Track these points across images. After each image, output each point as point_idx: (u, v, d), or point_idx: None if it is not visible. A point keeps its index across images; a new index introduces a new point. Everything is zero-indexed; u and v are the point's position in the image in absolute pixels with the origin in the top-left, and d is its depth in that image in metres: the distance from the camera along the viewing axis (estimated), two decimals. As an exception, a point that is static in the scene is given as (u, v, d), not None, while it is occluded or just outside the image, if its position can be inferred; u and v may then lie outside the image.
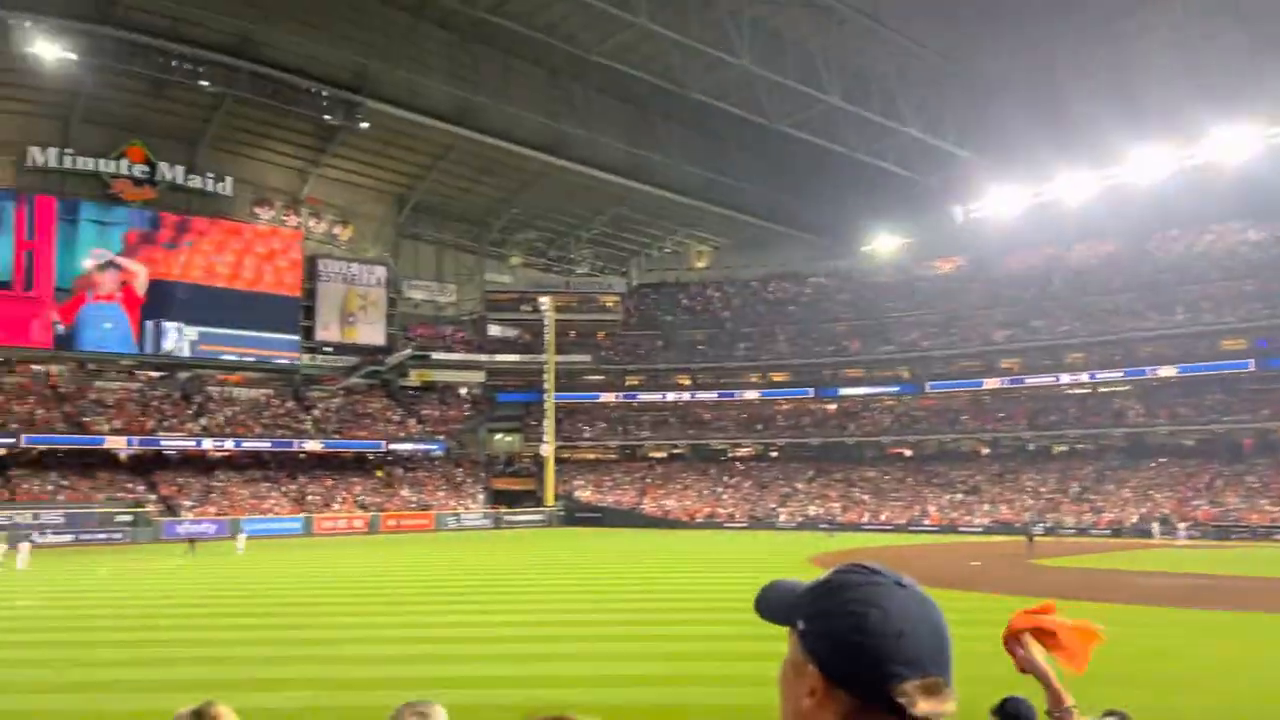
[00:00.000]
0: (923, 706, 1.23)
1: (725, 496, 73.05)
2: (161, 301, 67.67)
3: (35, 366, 65.57)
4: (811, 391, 79.46)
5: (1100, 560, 39.57)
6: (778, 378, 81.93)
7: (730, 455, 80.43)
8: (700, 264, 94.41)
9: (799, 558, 38.95)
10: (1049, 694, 2.43)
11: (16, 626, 22.48)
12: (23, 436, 59.33)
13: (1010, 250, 78.93)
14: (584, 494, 75.44)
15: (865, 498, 69.48)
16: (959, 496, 66.73)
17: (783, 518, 68.04)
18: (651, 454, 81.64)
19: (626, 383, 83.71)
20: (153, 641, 19.71)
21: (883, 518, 65.62)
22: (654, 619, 22.50)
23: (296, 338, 74.10)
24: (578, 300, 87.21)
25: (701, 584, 31.47)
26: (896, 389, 77.70)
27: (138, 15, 55.40)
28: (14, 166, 64.12)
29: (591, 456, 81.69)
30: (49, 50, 54.35)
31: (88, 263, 65.00)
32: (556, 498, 73.71)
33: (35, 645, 19.52)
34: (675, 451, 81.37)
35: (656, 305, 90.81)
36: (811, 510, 68.23)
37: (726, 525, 67.67)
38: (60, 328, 63.80)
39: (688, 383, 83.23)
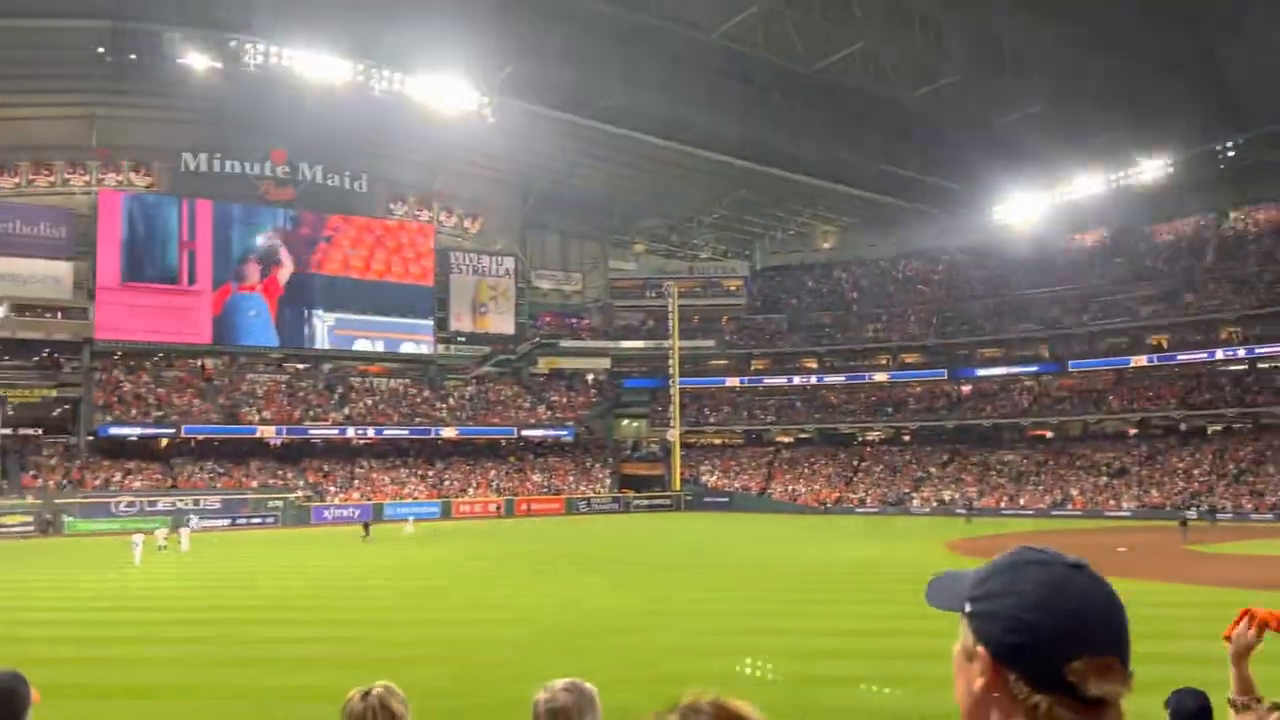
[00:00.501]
0: (1096, 687, 1.19)
1: (856, 481, 71.85)
2: (302, 291, 71.30)
3: (192, 361, 69.58)
4: (945, 373, 77.19)
5: (1265, 546, 37.15)
6: (909, 359, 79.91)
7: (860, 439, 78.99)
8: (826, 245, 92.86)
9: (937, 541, 38.03)
10: (1239, 682, 2.44)
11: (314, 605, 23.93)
12: (182, 427, 63.13)
13: (1158, 219, 74.82)
14: (710, 479, 75.45)
15: (1004, 482, 67.21)
16: (1104, 480, 63.82)
17: (916, 503, 66.50)
18: (778, 438, 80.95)
19: (751, 367, 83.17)
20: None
21: (1022, 502, 63.36)
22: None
23: (429, 322, 76.60)
24: (701, 285, 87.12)
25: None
26: (1036, 369, 74.68)
27: (275, 23, 57.72)
28: (170, 172, 68.19)
29: (717, 441, 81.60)
30: (199, 60, 57.43)
31: (240, 258, 69.01)
32: (683, 482, 73.99)
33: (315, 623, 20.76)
34: (803, 436, 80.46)
35: (781, 288, 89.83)
36: (947, 495, 66.44)
37: (858, 510, 66.59)
38: (228, 308, 67.88)
39: (814, 366, 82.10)
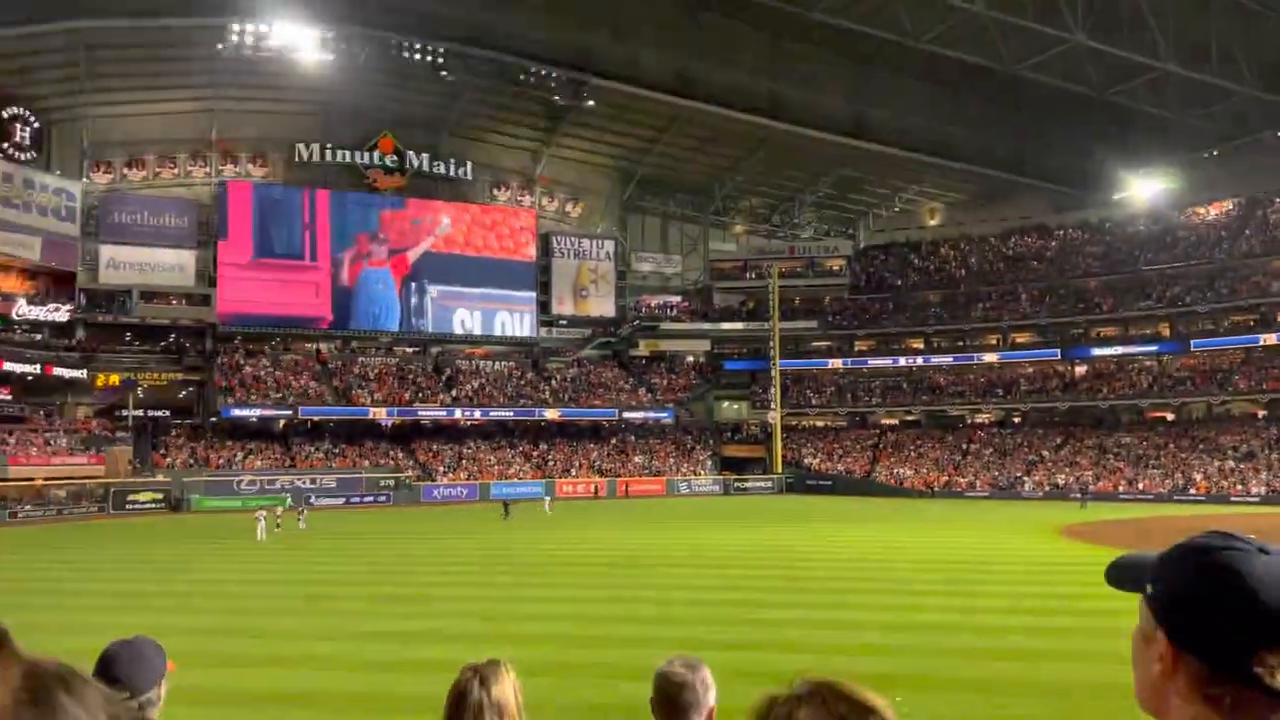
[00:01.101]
0: None
1: (964, 465, 70.19)
2: (413, 268, 73.86)
3: (308, 345, 72.20)
4: (1059, 353, 74.55)
5: None
6: (1020, 339, 77.43)
7: (969, 421, 77.06)
8: (932, 221, 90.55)
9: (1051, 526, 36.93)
10: None
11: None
12: (299, 409, 65.60)
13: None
14: (813, 461, 74.72)
15: (1121, 465, 64.73)
16: (1230, 463, 60.88)
17: (1028, 487, 64.63)
18: (883, 421, 79.60)
19: (855, 348, 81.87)
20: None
21: (1141, 486, 60.95)
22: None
23: (531, 293, 77.87)
24: (802, 265, 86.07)
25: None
26: (1155, 348, 71.46)
27: (387, 16, 59.38)
28: (284, 162, 70.82)
29: (820, 424, 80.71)
30: (310, 54, 59.36)
31: (358, 239, 72.27)
32: (785, 465, 73.47)
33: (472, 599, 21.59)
34: (908, 418, 78.91)
35: (886, 267, 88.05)
36: (1060, 479, 64.37)
37: (967, 494, 65.10)
38: (345, 282, 71.31)
39: (921, 346, 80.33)
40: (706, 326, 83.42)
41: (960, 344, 78.50)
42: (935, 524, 41.93)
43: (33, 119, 61.45)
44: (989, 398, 75.86)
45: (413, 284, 74.24)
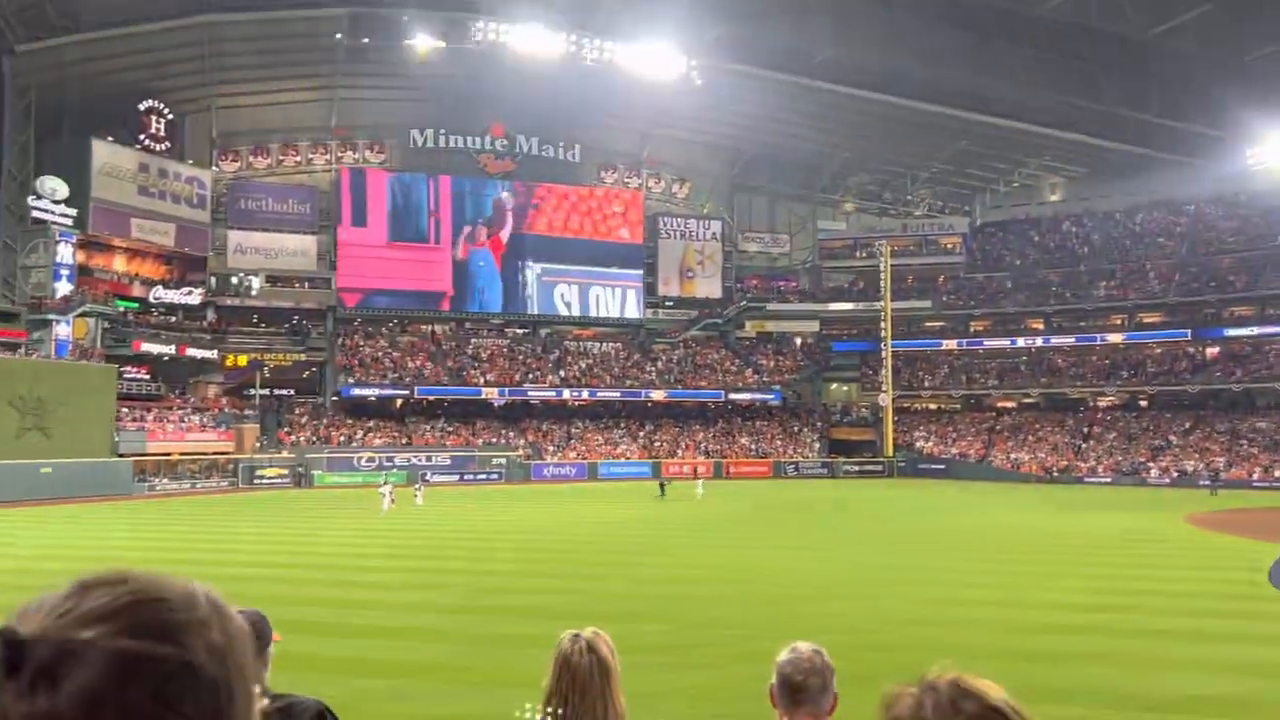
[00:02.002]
0: None
1: (1086, 449, 67.66)
2: (520, 248, 75.55)
3: (423, 326, 74.26)
4: (1188, 333, 70.97)
5: None
6: (1148, 319, 73.99)
7: (1091, 404, 74.17)
8: (1053, 197, 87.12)
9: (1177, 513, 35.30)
10: None
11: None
12: (415, 388, 67.56)
13: None
14: (925, 445, 73.13)
15: (1256, 451, 61.39)
16: (1381, 452, 57.09)
17: (1154, 473, 61.91)
18: (999, 403, 77.29)
19: (971, 328, 79.58)
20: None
21: (1277, 474, 57.70)
22: None
23: (639, 271, 78.25)
24: (915, 244, 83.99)
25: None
26: (1296, 328, 67.34)
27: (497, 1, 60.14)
28: (400, 149, 72.78)
29: (933, 406, 78.87)
30: (425, 41, 60.80)
31: (473, 222, 74.50)
32: (896, 448, 72.12)
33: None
34: (1026, 401, 76.41)
35: (1004, 244, 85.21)
36: (1189, 465, 61.47)
37: (1088, 480, 62.79)
38: (458, 259, 73.74)
39: (1040, 327, 77.59)
40: (815, 307, 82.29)
41: (1082, 324, 75.49)
42: (1058, 509, 40.59)
43: (167, 111, 64.57)
44: (1113, 380, 72.82)
45: (521, 266, 75.65)
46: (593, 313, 77.91)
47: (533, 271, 76.20)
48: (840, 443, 74.87)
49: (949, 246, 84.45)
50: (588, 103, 73.00)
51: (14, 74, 53.47)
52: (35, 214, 55.93)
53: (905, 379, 76.98)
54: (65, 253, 56.86)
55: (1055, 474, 64.31)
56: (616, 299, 78.48)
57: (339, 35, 60.21)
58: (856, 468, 70.28)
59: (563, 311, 77.14)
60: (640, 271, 78.63)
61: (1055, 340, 75.76)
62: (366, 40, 60.72)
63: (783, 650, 2.88)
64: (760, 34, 62.53)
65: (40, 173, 56.96)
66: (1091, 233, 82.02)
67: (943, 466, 68.37)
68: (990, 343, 77.87)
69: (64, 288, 56.10)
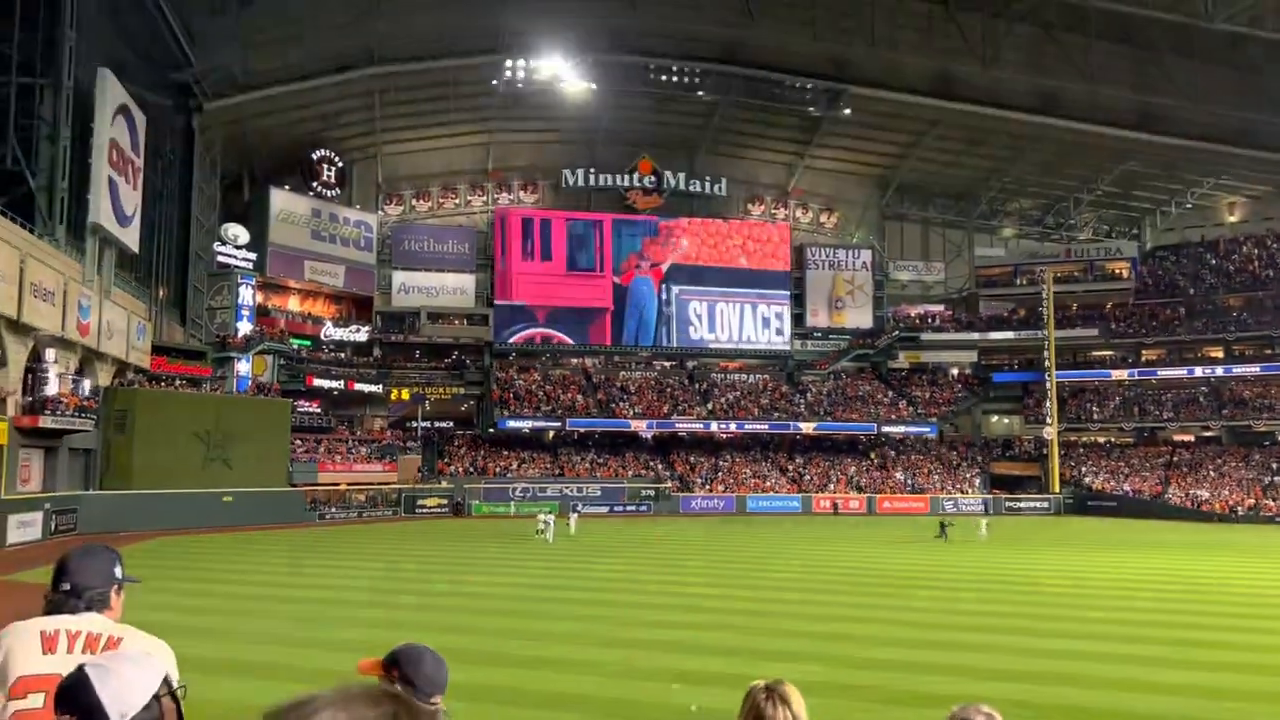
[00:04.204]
0: None
1: (1275, 486, 62.63)
2: (671, 285, 76.71)
3: (574, 360, 75.85)
4: (1393, 361, 65.04)
5: None
6: (1344, 346, 68.20)
7: (1280, 438, 68.79)
8: (1232, 218, 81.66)
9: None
10: None
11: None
12: (567, 420, 68.91)
13: None
14: (1094, 480, 69.30)
15: None
16: None
17: (1357, 514, 56.74)
18: (1176, 437, 72.55)
19: (1142, 358, 75.20)
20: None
21: None
22: None
23: (786, 306, 78.04)
24: (1080, 269, 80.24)
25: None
26: None
27: (643, 41, 61.73)
28: (553, 189, 75.11)
29: (1102, 440, 74.76)
30: (576, 84, 62.78)
31: (627, 257, 76.49)
32: (1063, 484, 68.62)
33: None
34: (1206, 434, 71.48)
35: (1177, 268, 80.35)
36: (1398, 506, 56.05)
37: (1278, 519, 58.08)
38: (619, 285, 76.26)
39: (1220, 355, 72.60)
40: (973, 336, 79.50)
41: (1269, 352, 70.23)
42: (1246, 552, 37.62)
43: (337, 159, 68.64)
44: (1306, 412, 67.32)
45: (668, 299, 76.45)
46: (740, 336, 77.74)
47: (681, 301, 77.03)
48: (1002, 478, 71.78)
49: (1117, 272, 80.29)
50: (734, 135, 73.67)
51: (202, 130, 57.94)
52: (220, 259, 60.27)
53: (1071, 411, 73.33)
54: (246, 295, 60.98)
55: (1239, 513, 59.79)
56: (764, 327, 78.10)
57: (495, 82, 62.78)
58: (1021, 504, 67.23)
59: (708, 335, 77.29)
60: (787, 292, 78.16)
61: (1238, 369, 70.74)
62: (520, 85, 63.08)
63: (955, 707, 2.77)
64: (911, 60, 61.63)
65: (224, 220, 61.43)
66: (1276, 255, 76.41)
67: (1114, 504, 64.58)
68: (1164, 372, 73.38)
69: (245, 327, 60.10)
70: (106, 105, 42.94)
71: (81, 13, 41.23)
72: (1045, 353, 72.07)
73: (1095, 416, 74.43)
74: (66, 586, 3.31)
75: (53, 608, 3.28)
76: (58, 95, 40.82)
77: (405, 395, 69.76)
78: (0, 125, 39.98)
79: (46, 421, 37.73)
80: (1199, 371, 72.36)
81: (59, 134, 40.84)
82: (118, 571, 3.44)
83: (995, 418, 79.62)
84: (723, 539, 43.36)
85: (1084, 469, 70.31)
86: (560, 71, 62.33)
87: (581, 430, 69.96)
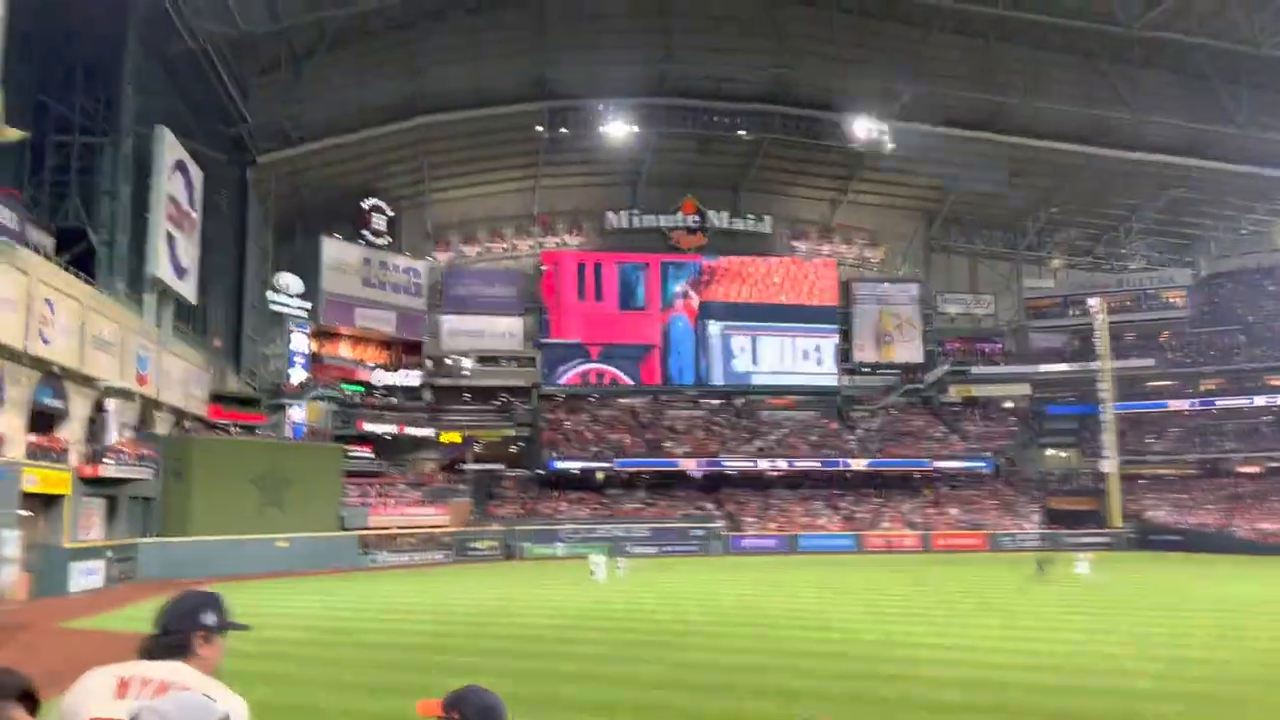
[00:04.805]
0: None
1: (1348, 518, 60.60)
2: (717, 321, 77.25)
3: (622, 400, 75.99)
4: None
5: None
6: None
7: (1350, 468, 66.59)
8: (1290, 243, 79.94)
9: None
10: None
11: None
12: (615, 461, 68.87)
13: None
14: (1157, 514, 67.52)
15: None
16: None
17: None
18: (1240, 468, 70.58)
19: (1201, 387, 73.50)
20: None
21: None
22: None
23: (833, 341, 77.72)
24: (1133, 299, 78.90)
25: None
26: None
27: (685, 83, 62.52)
28: (596, 230, 75.78)
29: (1163, 472, 72.92)
30: (618, 128, 63.66)
31: (673, 290, 77.16)
32: (1124, 518, 66.96)
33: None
34: (1274, 464, 69.45)
35: (1234, 295, 78.64)
36: None
37: (1352, 553, 56.04)
38: (667, 323, 77.22)
39: (1283, 383, 70.73)
40: (1024, 369, 78.32)
41: (1335, 379, 68.34)
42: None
43: (386, 208, 69.95)
44: (1377, 441, 65.19)
45: (714, 335, 76.52)
46: (788, 368, 77.37)
47: (727, 337, 77.14)
48: (1061, 513, 70.22)
49: (1171, 300, 78.83)
50: (776, 173, 74.00)
51: (255, 182, 59.46)
52: (274, 307, 61.48)
53: (1130, 443, 71.73)
54: (300, 342, 62.08)
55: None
56: (811, 361, 77.72)
57: (540, 128, 63.80)
58: (1082, 540, 65.62)
59: (754, 369, 77.05)
60: (834, 327, 77.75)
61: (1304, 398, 68.79)
62: (564, 131, 64.03)
63: None
64: (952, 94, 61.61)
65: (277, 269, 62.75)
66: (1339, 279, 74.57)
67: (1179, 538, 62.79)
68: (1224, 402, 71.63)
69: (298, 374, 61.12)
70: (164, 161, 44.30)
71: (140, 73, 42.71)
72: (1100, 384, 70.73)
73: (1155, 448, 72.73)
74: (155, 632, 3.37)
75: (141, 653, 3.34)
76: (117, 153, 42.21)
77: (456, 438, 70.25)
78: (63, 183, 41.43)
79: (108, 470, 38.54)
80: (1261, 400, 70.50)
81: (119, 190, 42.17)
82: (205, 618, 3.40)
83: (1051, 451, 78.13)
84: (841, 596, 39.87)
85: (1145, 502, 68.58)
86: (603, 116, 63.20)
87: (630, 470, 69.85)
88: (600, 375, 75.62)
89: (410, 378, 70.49)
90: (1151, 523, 66.34)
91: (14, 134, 32.97)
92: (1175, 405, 73.11)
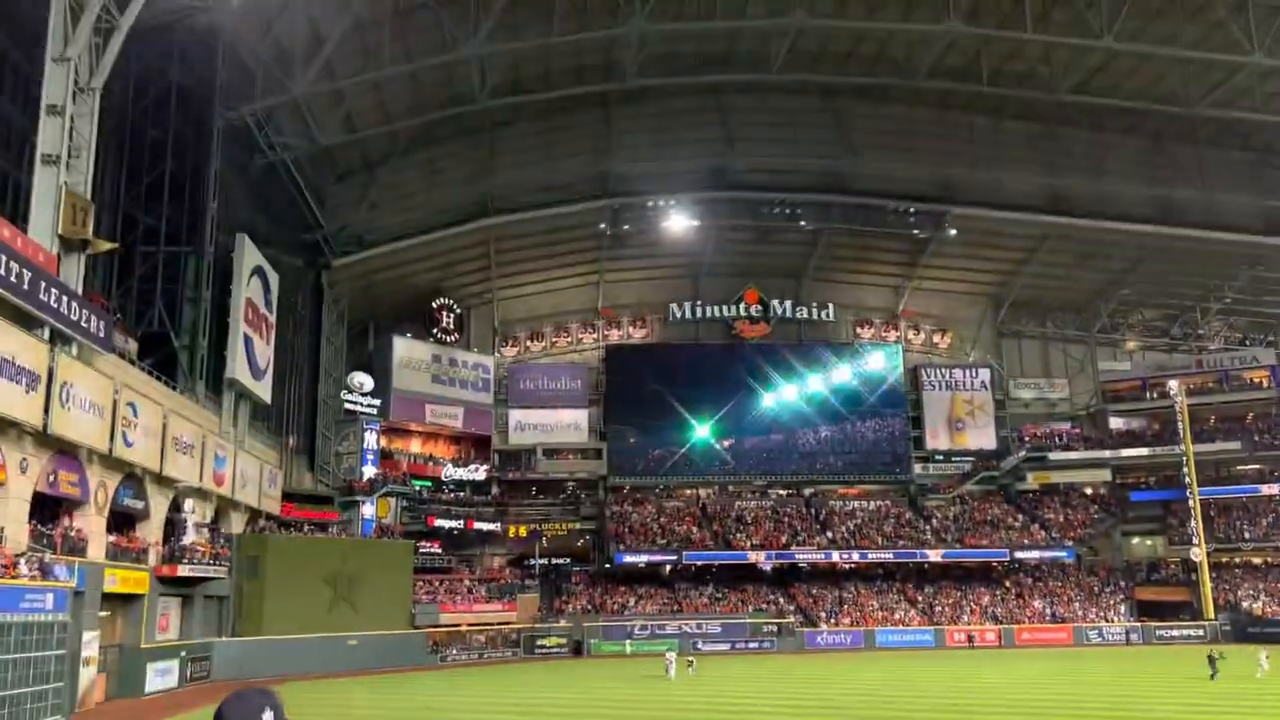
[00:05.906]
0: None
1: None
2: (785, 410, 76.07)
3: (689, 492, 75.35)
4: None
5: None
6: None
7: None
8: (1378, 319, 77.01)
9: None
10: None
11: None
12: (683, 554, 67.95)
13: None
14: (1254, 604, 64.14)
15: None
16: None
17: None
18: (1343, 555, 66.91)
19: (1294, 471, 70.33)
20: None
21: None
22: None
23: (902, 413, 76.48)
24: (1214, 380, 76.35)
25: None
26: None
27: (744, 176, 63.55)
28: (660, 322, 76.29)
29: (1258, 560, 69.46)
30: (679, 222, 64.75)
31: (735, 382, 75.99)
32: (1218, 609, 63.69)
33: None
34: (1377, 551, 65.77)
35: (1322, 374, 75.65)
36: None
37: None
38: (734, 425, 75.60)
39: (1383, 465, 67.38)
40: (1104, 454, 75.77)
41: None
42: None
43: (454, 306, 71.56)
44: None
45: (781, 424, 75.64)
46: (857, 472, 75.91)
47: (798, 436, 76.08)
48: (1149, 604, 67.10)
49: (1255, 380, 76.09)
50: (838, 261, 74.15)
51: (330, 284, 61.41)
52: (346, 406, 62.77)
53: (1220, 530, 68.66)
54: (371, 440, 63.08)
55: None
56: (884, 458, 76.16)
57: (603, 225, 65.17)
58: (1174, 632, 62.56)
59: (829, 473, 75.75)
60: (903, 413, 76.35)
61: (1406, 480, 65.37)
62: (627, 227, 65.30)
63: None
64: (1017, 178, 61.51)
65: (350, 368, 64.25)
66: None
67: (1279, 629, 59.44)
68: (1320, 486, 68.30)
69: (369, 471, 61.96)
70: (244, 268, 46.16)
71: (223, 186, 44.84)
72: (1185, 469, 68.18)
73: (1247, 535, 69.45)
74: None
75: None
76: (200, 262, 44.04)
77: (523, 532, 70.21)
78: (148, 291, 43.29)
79: (184, 570, 39.21)
80: (1362, 483, 67.16)
81: (200, 296, 43.88)
82: (266, 718, 3.50)
83: (1136, 539, 75.08)
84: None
85: (1241, 591, 65.28)
86: (664, 211, 64.37)
87: (699, 563, 68.81)
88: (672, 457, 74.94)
89: (478, 472, 70.98)
90: (1247, 613, 63.00)
91: (106, 245, 34.75)
92: (1267, 490, 70.00)
